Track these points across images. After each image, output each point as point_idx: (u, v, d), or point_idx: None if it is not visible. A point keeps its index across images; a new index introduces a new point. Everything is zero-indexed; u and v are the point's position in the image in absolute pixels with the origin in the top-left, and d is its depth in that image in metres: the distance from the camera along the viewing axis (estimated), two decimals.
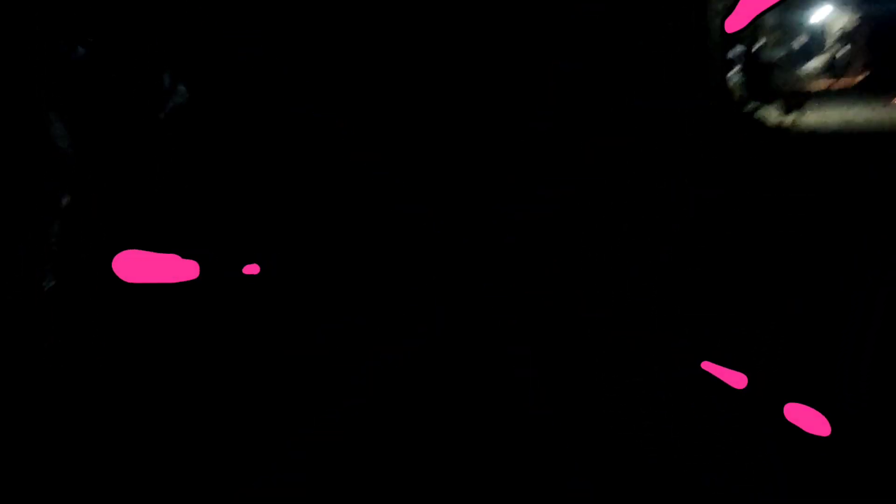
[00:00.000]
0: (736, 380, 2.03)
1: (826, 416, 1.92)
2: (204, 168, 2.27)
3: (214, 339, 2.12)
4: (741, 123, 2.23)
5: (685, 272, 2.24)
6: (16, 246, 2.19)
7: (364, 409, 2.09)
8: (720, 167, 2.35)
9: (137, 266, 2.31)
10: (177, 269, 2.44)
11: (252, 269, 2.45)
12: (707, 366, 2.05)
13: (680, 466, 1.97)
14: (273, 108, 2.28)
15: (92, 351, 2.16)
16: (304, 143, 2.31)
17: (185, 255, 2.11)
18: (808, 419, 1.94)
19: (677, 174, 2.28)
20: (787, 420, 1.99)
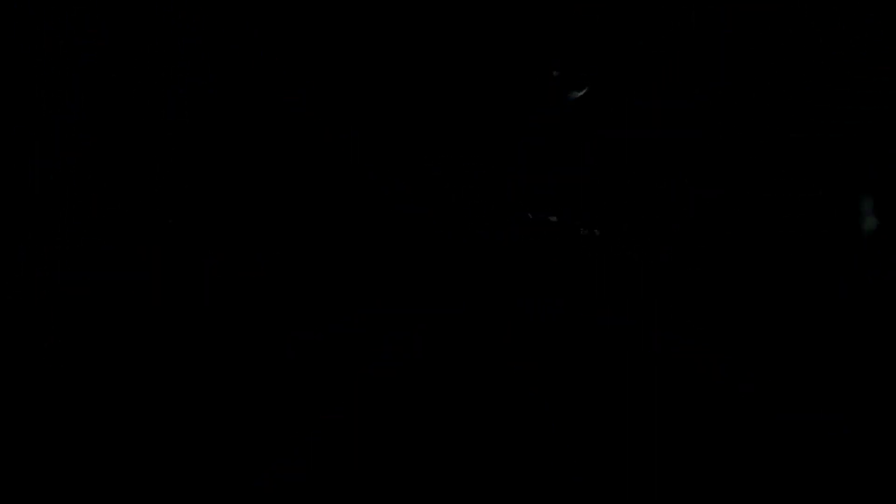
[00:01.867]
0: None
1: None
2: (204, 168, 2.26)
3: (214, 338, 2.12)
4: (741, 123, 2.22)
5: (685, 272, 2.24)
6: (16, 246, 2.19)
7: (363, 410, 2.09)
8: (720, 167, 2.34)
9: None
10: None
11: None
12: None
13: (679, 466, 1.97)
14: (273, 108, 2.27)
15: (92, 351, 2.16)
16: (304, 142, 2.30)
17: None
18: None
19: (677, 174, 2.28)
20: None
